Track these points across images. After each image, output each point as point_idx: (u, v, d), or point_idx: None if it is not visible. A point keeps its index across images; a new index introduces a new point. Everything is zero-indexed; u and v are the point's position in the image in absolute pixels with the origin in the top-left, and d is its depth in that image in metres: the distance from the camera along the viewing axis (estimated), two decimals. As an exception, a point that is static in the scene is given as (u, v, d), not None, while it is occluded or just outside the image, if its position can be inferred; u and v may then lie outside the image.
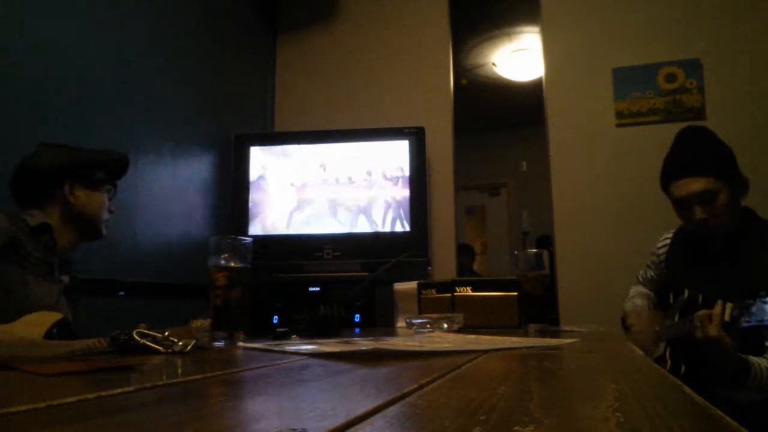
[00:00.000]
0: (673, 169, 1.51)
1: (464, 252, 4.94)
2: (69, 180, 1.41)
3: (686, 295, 1.46)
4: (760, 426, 1.27)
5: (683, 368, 1.44)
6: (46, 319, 1.05)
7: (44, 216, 1.36)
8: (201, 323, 1.42)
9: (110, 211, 1.51)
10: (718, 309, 1.26)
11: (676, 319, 1.49)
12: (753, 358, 1.26)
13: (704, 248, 1.52)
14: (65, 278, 1.43)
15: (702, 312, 1.29)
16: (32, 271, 1.28)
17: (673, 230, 1.68)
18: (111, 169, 1.51)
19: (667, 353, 1.51)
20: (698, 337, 1.29)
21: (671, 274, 1.64)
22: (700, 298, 1.41)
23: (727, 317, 1.24)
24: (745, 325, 1.20)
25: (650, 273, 1.76)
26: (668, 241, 1.68)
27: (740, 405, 1.30)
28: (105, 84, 2.00)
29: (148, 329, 1.09)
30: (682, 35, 2.56)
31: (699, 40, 2.53)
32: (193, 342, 0.74)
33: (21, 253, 1.27)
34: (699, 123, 2.45)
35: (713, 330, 1.24)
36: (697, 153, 1.48)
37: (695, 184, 1.44)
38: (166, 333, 0.75)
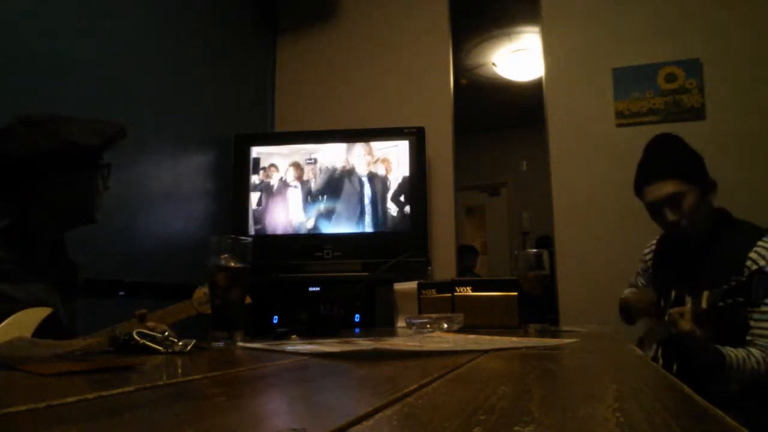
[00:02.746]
0: (643, 176, 1.57)
1: (467, 253, 4.94)
2: (51, 168, 1.18)
3: (673, 296, 1.51)
4: (737, 415, 1.29)
5: (675, 366, 1.47)
6: (32, 317, 1.00)
7: (15, 212, 1.18)
8: (204, 292, 1.40)
9: (106, 188, 1.30)
10: (688, 305, 1.35)
11: (666, 319, 1.52)
12: (728, 349, 1.32)
13: (682, 249, 1.57)
14: (53, 272, 1.25)
15: (674, 309, 1.36)
16: (7, 278, 1.10)
17: (658, 237, 1.73)
18: (104, 149, 1.26)
19: (659, 353, 1.55)
20: (673, 334, 1.36)
21: (659, 279, 1.69)
22: (686, 297, 1.45)
23: (704, 304, 1.31)
24: (721, 305, 1.26)
25: (640, 280, 1.81)
26: (654, 247, 1.74)
27: (718, 395, 1.33)
28: (104, 84, 2.00)
29: (146, 314, 1.09)
30: (682, 35, 2.55)
31: (699, 40, 2.53)
32: (193, 342, 0.75)
33: None
34: (699, 123, 2.47)
35: (685, 324, 1.32)
36: (664, 158, 1.55)
37: (664, 188, 1.49)
38: (165, 331, 0.75)
